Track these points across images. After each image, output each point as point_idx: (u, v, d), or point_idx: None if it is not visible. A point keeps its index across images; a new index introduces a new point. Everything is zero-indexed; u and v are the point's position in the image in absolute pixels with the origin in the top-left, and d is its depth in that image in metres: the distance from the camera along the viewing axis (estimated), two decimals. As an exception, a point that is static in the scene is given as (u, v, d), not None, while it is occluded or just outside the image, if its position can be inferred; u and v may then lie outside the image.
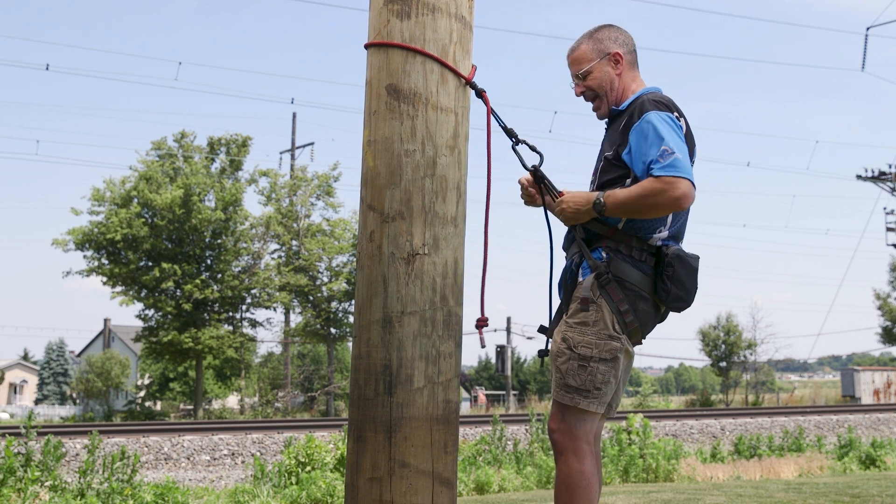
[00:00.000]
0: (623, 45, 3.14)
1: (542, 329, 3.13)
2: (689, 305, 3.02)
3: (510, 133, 3.09)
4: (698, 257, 3.03)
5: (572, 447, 2.89)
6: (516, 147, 3.13)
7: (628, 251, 2.95)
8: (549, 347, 3.03)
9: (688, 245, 3.17)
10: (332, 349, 35.97)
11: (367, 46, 3.02)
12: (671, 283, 2.93)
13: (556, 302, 3.18)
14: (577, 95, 3.17)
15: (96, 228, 30.06)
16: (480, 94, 3.09)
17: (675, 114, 2.97)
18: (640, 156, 2.92)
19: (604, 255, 2.95)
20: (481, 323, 3.10)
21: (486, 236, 3.13)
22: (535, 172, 3.12)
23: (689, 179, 2.83)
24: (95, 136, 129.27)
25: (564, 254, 3.18)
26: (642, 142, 2.92)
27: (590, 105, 3.23)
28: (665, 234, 3.02)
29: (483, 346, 3.06)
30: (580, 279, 2.98)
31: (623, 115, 3.06)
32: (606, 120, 3.21)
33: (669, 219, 3.02)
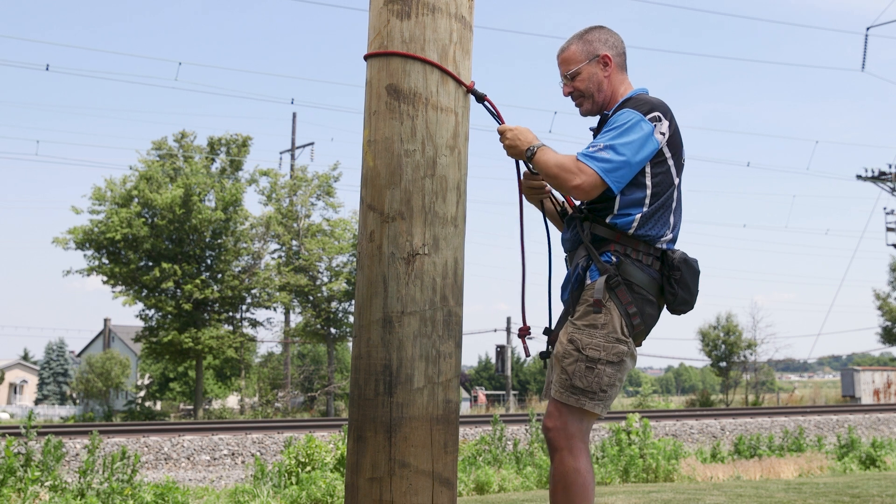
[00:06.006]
0: (612, 47, 3.17)
1: (546, 331, 3.13)
2: (692, 308, 3.06)
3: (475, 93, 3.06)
4: (698, 261, 3.07)
5: (567, 445, 2.91)
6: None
7: (636, 255, 2.98)
8: (554, 349, 3.02)
9: (688, 245, 3.20)
10: (332, 349, 35.95)
11: (366, 58, 3.01)
12: (678, 286, 2.98)
13: (557, 303, 3.18)
14: (565, 95, 3.21)
15: (97, 228, 30.07)
16: (482, 98, 3.10)
17: (657, 114, 2.99)
18: (598, 138, 3.02)
19: (613, 258, 2.97)
20: (524, 332, 3.09)
21: (522, 244, 3.17)
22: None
23: (600, 175, 2.89)
24: (95, 136, 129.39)
25: (566, 256, 3.19)
26: (605, 128, 3.02)
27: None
28: (670, 236, 3.06)
29: (528, 356, 3.05)
30: (588, 281, 2.99)
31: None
32: (597, 121, 3.25)
33: (672, 220, 3.06)
